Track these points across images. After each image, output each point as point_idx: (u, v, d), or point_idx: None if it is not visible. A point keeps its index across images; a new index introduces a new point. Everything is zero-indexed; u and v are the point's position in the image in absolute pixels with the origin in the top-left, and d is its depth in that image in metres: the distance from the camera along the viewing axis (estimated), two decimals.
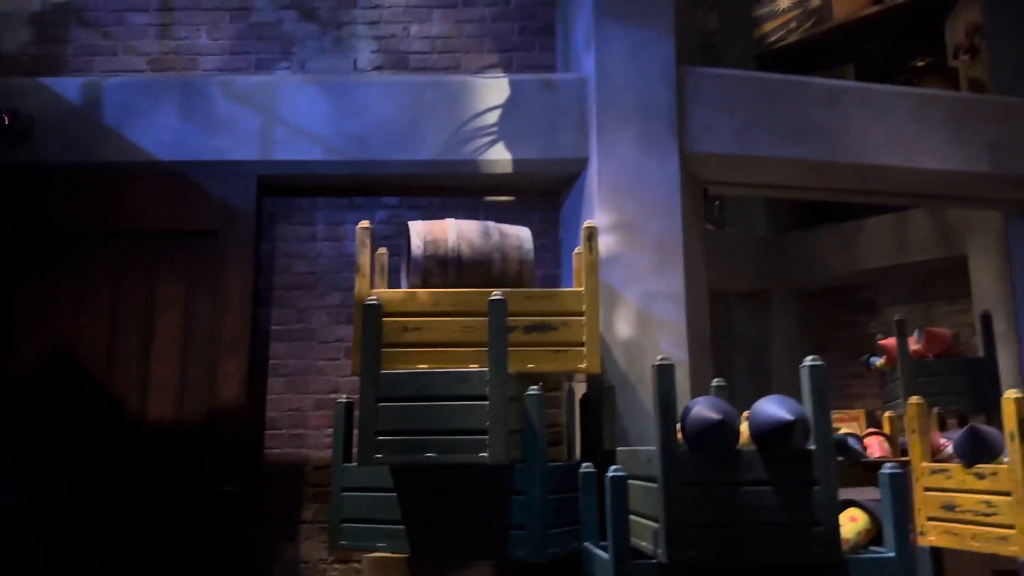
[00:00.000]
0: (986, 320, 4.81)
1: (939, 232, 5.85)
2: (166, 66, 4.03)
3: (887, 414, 4.70)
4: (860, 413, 6.13)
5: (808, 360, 2.40)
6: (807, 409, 2.34)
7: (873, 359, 5.29)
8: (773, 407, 2.32)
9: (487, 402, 2.71)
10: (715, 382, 3.04)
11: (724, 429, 2.31)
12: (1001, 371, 4.70)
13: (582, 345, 3.04)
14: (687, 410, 2.40)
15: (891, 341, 4.99)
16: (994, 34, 4.99)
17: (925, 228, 6.00)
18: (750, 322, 7.02)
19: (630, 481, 2.42)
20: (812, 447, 2.30)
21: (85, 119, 3.73)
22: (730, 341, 7.02)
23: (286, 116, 3.75)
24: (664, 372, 2.39)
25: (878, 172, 3.89)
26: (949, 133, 3.97)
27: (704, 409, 2.35)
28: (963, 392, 4.68)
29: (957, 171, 3.96)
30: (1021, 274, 4.65)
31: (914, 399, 3.37)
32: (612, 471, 2.38)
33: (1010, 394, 2.82)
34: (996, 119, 4.06)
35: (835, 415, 5.69)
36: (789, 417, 2.26)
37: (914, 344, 4.91)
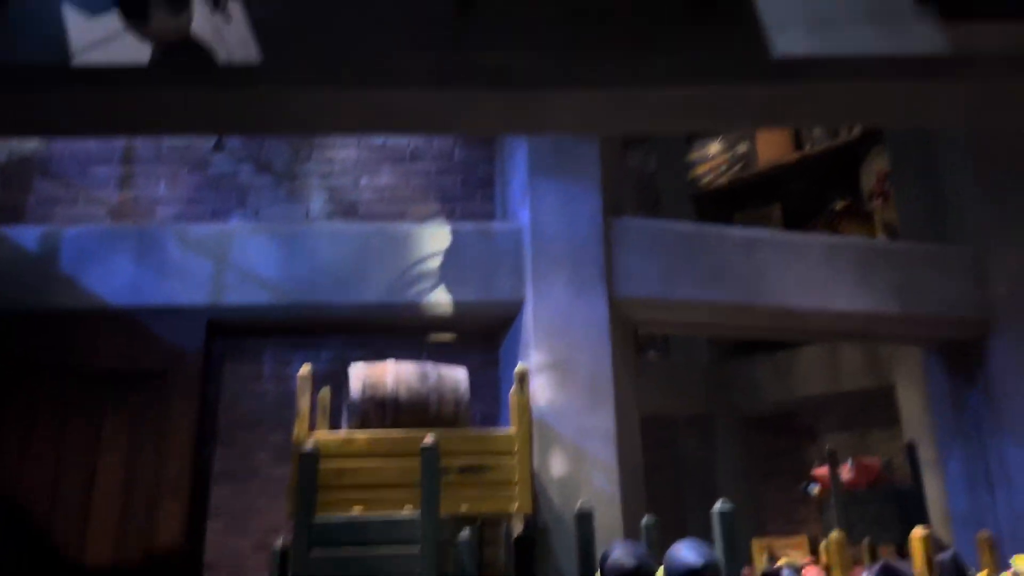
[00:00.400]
0: (911, 449, 4.99)
1: (869, 362, 6.13)
2: (125, 215, 4.24)
3: (823, 544, 4.79)
4: (803, 540, 6.19)
5: (718, 506, 2.55)
6: (718, 553, 2.47)
7: (811, 487, 5.42)
8: (684, 552, 2.45)
9: (419, 547, 2.79)
10: (645, 521, 3.16)
11: (639, 575, 2.43)
12: (928, 499, 4.85)
13: (515, 485, 3.16)
14: (605, 556, 2.51)
15: (824, 470, 5.14)
16: (899, 182, 5.43)
17: (856, 358, 6.28)
18: (697, 447, 7.15)
19: None
20: None
21: (42, 267, 3.88)
22: (678, 466, 7.13)
23: (238, 262, 3.94)
24: (583, 520, 2.52)
25: (793, 314, 4.17)
26: (858, 277, 4.28)
27: (622, 556, 2.48)
28: (893, 521, 4.79)
29: (867, 312, 4.25)
30: (939, 405, 4.89)
31: (835, 534, 3.50)
32: None
33: (917, 532, 2.97)
34: (901, 263, 4.40)
35: (780, 542, 5.74)
36: (699, 563, 2.38)
37: (847, 473, 5.06)
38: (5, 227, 3.98)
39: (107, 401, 3.80)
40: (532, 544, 3.31)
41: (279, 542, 3.21)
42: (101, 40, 2.00)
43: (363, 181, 4.41)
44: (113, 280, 3.89)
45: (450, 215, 4.36)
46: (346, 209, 4.35)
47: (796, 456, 6.87)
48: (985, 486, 4.49)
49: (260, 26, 2.00)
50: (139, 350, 3.84)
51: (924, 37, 2.04)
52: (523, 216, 4.07)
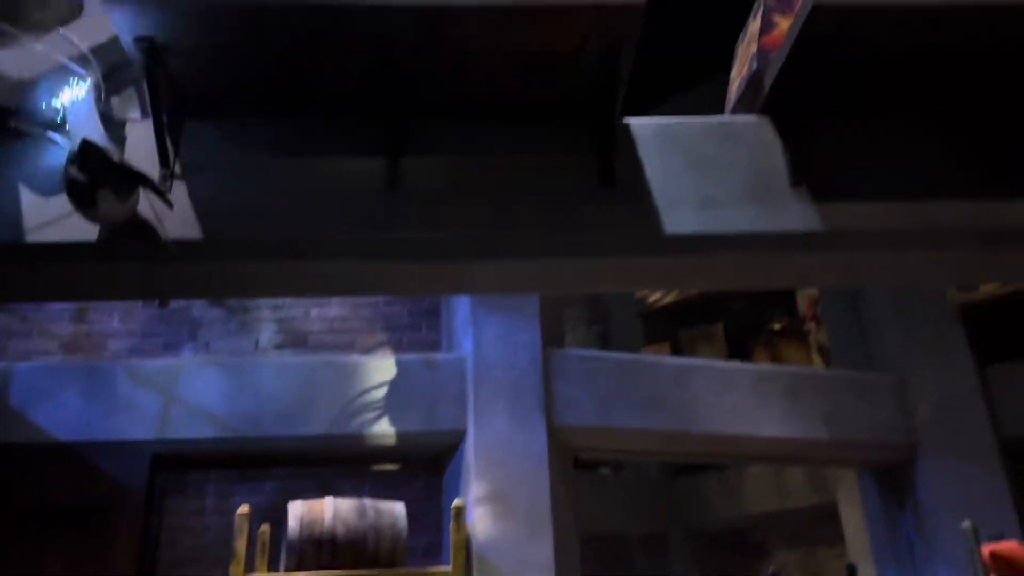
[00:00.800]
0: (851, 570, 5.09)
1: (813, 480, 6.27)
2: (77, 348, 4.34)
3: None
4: None
5: None
6: None
7: None
8: None
9: None
10: None
11: None
12: None
13: None
14: None
15: None
16: (828, 308, 5.73)
17: (800, 476, 6.42)
18: (651, 564, 7.15)
19: None
20: None
21: None
22: None
23: (185, 396, 4.03)
24: None
25: (725, 440, 4.34)
26: (787, 404, 4.49)
27: None
28: None
29: (795, 438, 4.44)
30: (874, 526, 5.02)
31: None
32: None
33: None
34: (828, 390, 4.62)
35: None
36: None
37: None
38: None
39: (49, 537, 3.80)
40: None
41: None
42: (53, 219, 2.18)
43: (313, 312, 4.57)
44: (61, 415, 3.95)
45: (397, 345, 4.52)
46: (296, 340, 4.49)
47: (748, 573, 6.89)
48: None
49: (201, 206, 2.21)
50: (83, 486, 3.88)
51: (798, 216, 2.30)
52: (466, 346, 4.24)
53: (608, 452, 4.53)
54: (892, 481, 4.86)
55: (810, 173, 2.32)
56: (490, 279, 2.49)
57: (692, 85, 6.23)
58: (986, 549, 3.44)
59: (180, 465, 4.09)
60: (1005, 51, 2.20)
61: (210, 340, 4.42)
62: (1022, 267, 2.50)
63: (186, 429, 3.98)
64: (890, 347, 4.93)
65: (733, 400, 4.41)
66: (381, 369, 4.18)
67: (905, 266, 2.47)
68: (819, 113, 2.36)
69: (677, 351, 6.74)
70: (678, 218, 2.29)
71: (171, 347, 4.38)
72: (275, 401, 4.06)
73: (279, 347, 4.47)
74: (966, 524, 3.52)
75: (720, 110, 2.63)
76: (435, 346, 4.53)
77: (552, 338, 4.35)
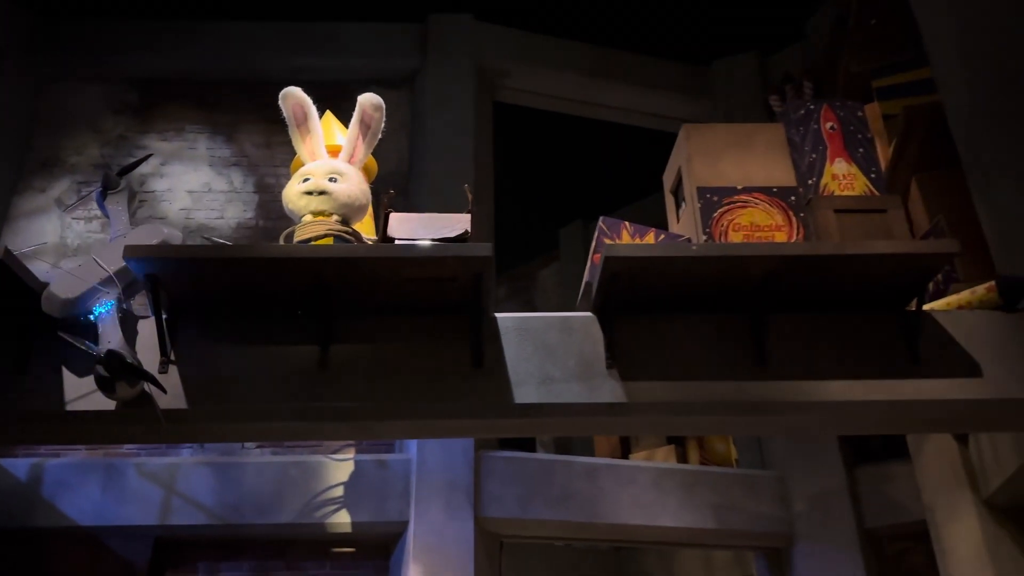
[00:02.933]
0: None
1: (736, 557, 7.05)
2: (97, 448, 5.24)
3: None
4: None
5: None
6: None
7: None
8: None
9: None
10: None
11: None
12: None
13: None
14: None
15: None
16: None
17: (726, 554, 7.19)
18: None
19: None
20: None
21: (28, 492, 4.83)
22: None
23: (182, 489, 4.92)
24: None
25: (627, 528, 5.17)
26: (682, 497, 5.32)
27: None
28: None
29: (688, 527, 5.27)
30: None
31: None
32: None
33: None
34: (718, 485, 5.45)
35: None
36: None
37: None
38: (2, 459, 4.96)
39: None
40: None
41: None
42: (85, 394, 3.09)
43: None
44: (82, 503, 4.84)
45: (358, 446, 5.39)
46: (274, 442, 5.38)
47: None
48: None
49: (188, 383, 3.10)
50: (97, 564, 4.75)
51: (608, 391, 3.17)
52: (411, 449, 5.11)
53: (528, 539, 5.35)
54: (777, 562, 5.65)
55: (619, 359, 3.21)
56: (395, 432, 3.40)
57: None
58: None
59: (177, 546, 4.95)
60: (737, 277, 3.12)
61: (205, 442, 5.31)
62: (779, 426, 3.36)
63: (182, 517, 4.86)
64: (777, 449, 5.77)
65: (634, 494, 5.25)
66: (341, 468, 5.05)
67: (693, 426, 3.35)
68: (627, 314, 3.26)
69: (625, 443, 7.56)
70: (525, 391, 3.17)
71: (173, 448, 5.27)
72: (254, 494, 4.93)
73: (260, 447, 5.35)
74: None
75: None
76: (388, 448, 5.40)
77: (485, 442, 5.22)
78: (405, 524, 4.91)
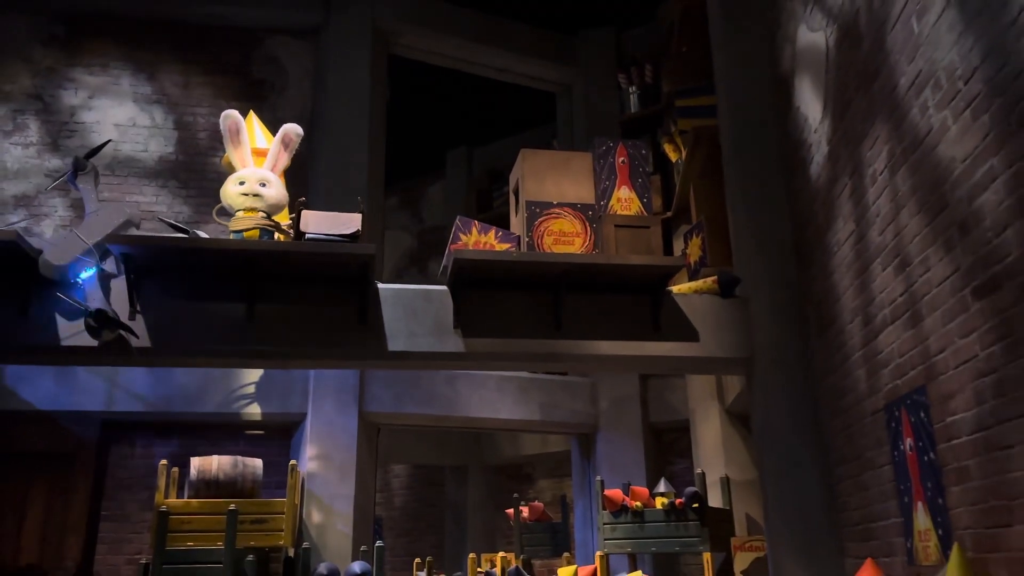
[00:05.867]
0: (563, 499, 7.68)
1: (563, 437, 8.84)
2: None
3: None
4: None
5: (377, 543, 4.98)
6: (371, 568, 4.91)
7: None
8: (355, 567, 4.88)
9: (222, 565, 5.08)
10: (363, 548, 5.57)
11: None
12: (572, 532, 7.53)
13: (282, 530, 5.48)
14: (318, 568, 4.90)
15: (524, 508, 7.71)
16: None
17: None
18: (456, 490, 9.69)
19: None
20: None
21: None
22: (442, 501, 9.64)
23: (123, 383, 6.05)
24: (305, 552, 4.88)
25: (477, 420, 6.74)
26: (517, 397, 6.90)
27: (321, 567, 4.87)
28: (546, 544, 7.41)
29: (521, 419, 6.89)
30: (576, 470, 7.60)
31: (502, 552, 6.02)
32: None
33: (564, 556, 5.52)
34: (546, 389, 7.06)
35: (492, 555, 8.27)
36: (358, 570, 4.82)
37: (525, 511, 7.67)
38: None
39: (36, 470, 5.84)
40: (295, 562, 5.64)
41: (143, 560, 5.40)
42: (74, 333, 4.17)
43: None
44: (40, 393, 5.91)
45: None
46: None
47: (521, 496, 9.50)
48: (592, 522, 7.19)
49: (150, 329, 4.23)
50: (56, 439, 5.90)
51: (453, 344, 4.53)
52: None
53: (400, 427, 6.84)
54: (586, 444, 7.42)
55: (463, 321, 4.57)
56: (302, 367, 4.68)
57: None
58: (607, 492, 5.93)
59: (119, 427, 6.15)
60: (543, 273, 4.50)
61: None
62: (569, 369, 4.84)
63: (124, 404, 6.02)
64: None
65: (482, 394, 6.79)
66: (254, 371, 6.29)
67: (510, 368, 4.80)
68: (470, 290, 4.59)
69: None
70: (396, 342, 4.50)
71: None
72: (183, 388, 6.13)
73: None
74: (597, 478, 6.04)
75: None
76: None
77: None
78: (304, 415, 6.25)
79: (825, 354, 4.32)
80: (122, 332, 4.16)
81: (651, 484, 6.48)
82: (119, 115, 6.99)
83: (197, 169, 6.96)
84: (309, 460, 6.09)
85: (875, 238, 3.51)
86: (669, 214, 7.24)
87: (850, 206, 3.82)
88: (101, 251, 4.27)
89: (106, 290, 4.27)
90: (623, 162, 4.86)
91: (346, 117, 7.15)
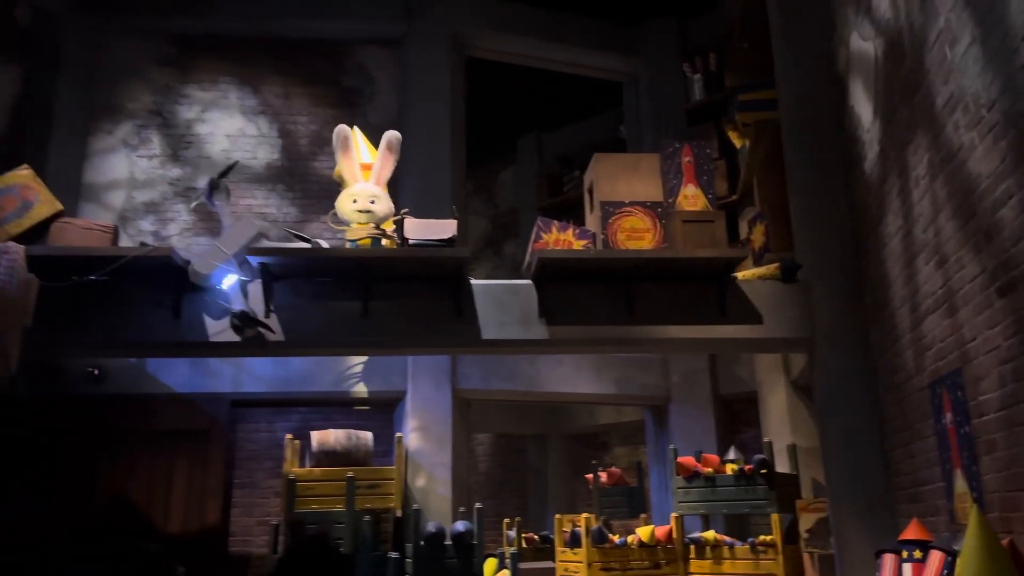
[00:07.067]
0: (639, 465, 8.22)
1: (637, 408, 9.36)
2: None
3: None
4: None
5: (476, 506, 5.65)
6: (473, 526, 5.58)
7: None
8: (458, 525, 5.56)
9: (343, 524, 5.83)
10: (461, 509, 6.26)
11: (436, 534, 5.52)
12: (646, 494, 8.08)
13: (393, 494, 6.21)
14: (427, 526, 5.60)
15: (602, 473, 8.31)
16: None
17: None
18: (537, 457, 10.35)
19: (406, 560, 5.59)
20: (474, 542, 5.53)
21: (135, 369, 6.73)
22: (525, 467, 10.33)
23: (248, 369, 6.85)
24: (415, 513, 5.59)
25: (556, 395, 7.32)
26: (593, 374, 7.45)
27: (430, 526, 5.57)
28: (624, 507, 7.98)
29: (597, 393, 7.45)
30: (650, 438, 8.13)
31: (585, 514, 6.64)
32: (393, 556, 5.55)
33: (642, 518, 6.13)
34: (618, 365, 7.59)
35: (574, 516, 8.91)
36: (461, 529, 5.50)
37: (604, 476, 8.25)
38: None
39: (177, 446, 6.71)
40: (404, 521, 6.36)
41: (274, 522, 6.21)
42: (220, 331, 4.90)
43: None
44: (177, 377, 6.76)
45: None
46: None
47: (599, 462, 10.10)
48: (666, 487, 7.73)
49: (283, 325, 4.93)
50: (193, 418, 6.76)
51: (539, 331, 5.08)
52: None
53: (489, 402, 7.49)
54: (659, 415, 7.94)
55: (546, 311, 5.12)
56: (409, 354, 5.33)
57: None
58: (680, 459, 6.47)
59: (246, 406, 6.98)
60: (616, 266, 5.01)
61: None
62: (641, 352, 5.36)
63: (249, 386, 6.83)
64: None
65: (561, 372, 7.37)
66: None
67: (589, 351, 5.35)
68: (552, 283, 5.13)
69: None
70: (488, 331, 5.09)
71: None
72: (300, 371, 6.90)
73: None
74: (671, 447, 6.59)
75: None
76: None
77: None
78: (404, 392, 6.94)
79: (880, 334, 4.72)
80: (260, 329, 4.87)
81: (721, 452, 6.96)
82: (229, 126, 7.74)
83: (300, 173, 7.68)
84: (410, 432, 6.79)
85: (919, 235, 3.90)
86: (735, 197, 7.62)
87: (898, 203, 4.19)
88: (240, 260, 4.98)
89: (245, 293, 4.99)
90: (689, 161, 5.30)
91: (429, 118, 7.74)
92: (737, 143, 7.35)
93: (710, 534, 6.09)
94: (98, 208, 7.34)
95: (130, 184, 7.50)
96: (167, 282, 4.90)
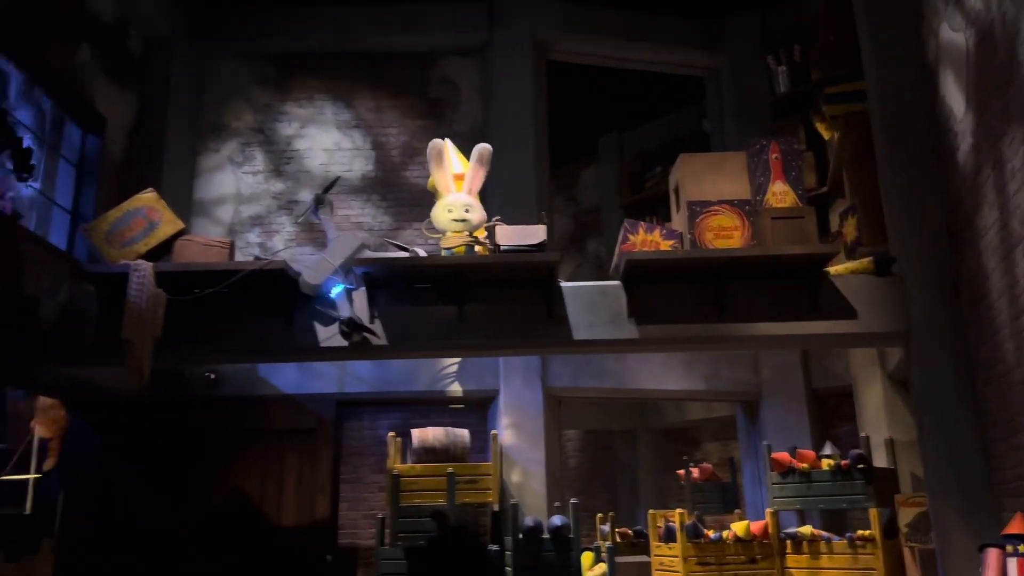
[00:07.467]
0: (731, 460, 8.23)
1: (725, 404, 9.34)
2: None
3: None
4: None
5: (572, 501, 5.84)
6: (570, 521, 5.77)
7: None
8: (555, 520, 5.76)
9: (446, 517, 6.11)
10: (556, 504, 6.47)
11: (534, 528, 5.74)
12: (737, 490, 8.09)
13: (490, 488, 6.46)
14: (525, 520, 5.82)
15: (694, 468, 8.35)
16: None
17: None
18: (626, 452, 10.46)
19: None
20: (571, 536, 5.73)
21: (248, 373, 7.21)
22: (612, 463, 10.45)
23: (351, 370, 7.23)
24: (513, 508, 5.82)
25: (645, 391, 7.43)
26: (683, 370, 7.52)
27: (528, 520, 5.79)
28: (717, 502, 8.00)
29: (686, 389, 7.51)
30: (742, 433, 8.13)
31: (679, 509, 6.76)
32: (494, 549, 5.80)
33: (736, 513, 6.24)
34: (707, 360, 7.62)
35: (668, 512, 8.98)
36: (558, 523, 5.70)
37: (695, 472, 8.30)
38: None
39: (288, 444, 7.16)
40: (501, 515, 6.61)
41: (380, 515, 6.56)
42: (329, 337, 5.25)
43: None
44: (287, 380, 7.20)
45: None
46: None
47: (690, 458, 10.12)
48: (760, 482, 7.73)
49: (386, 329, 5.23)
50: (302, 417, 7.18)
51: (630, 329, 5.21)
52: None
53: (578, 400, 7.66)
54: (750, 410, 7.93)
55: (635, 311, 5.25)
56: (503, 354, 5.56)
57: None
58: (774, 455, 6.49)
59: (350, 405, 7.37)
60: (705, 265, 5.09)
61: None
62: (731, 350, 5.42)
63: (353, 387, 7.21)
64: None
65: (650, 369, 7.47)
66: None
67: (677, 350, 5.45)
68: (640, 283, 5.26)
69: None
70: (579, 332, 5.26)
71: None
72: (399, 372, 7.23)
73: None
74: (765, 443, 6.62)
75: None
76: None
77: None
78: (496, 391, 7.19)
79: (977, 327, 4.66)
80: (365, 334, 5.19)
81: (816, 447, 6.93)
82: (326, 141, 8.15)
83: (393, 183, 8.02)
84: (504, 429, 7.03)
85: (1017, 228, 3.85)
86: (824, 189, 7.54)
87: (993, 195, 4.15)
88: (345, 270, 5.31)
89: (350, 301, 5.31)
90: (776, 158, 5.33)
91: (513, 123, 7.95)
92: (825, 135, 7.27)
93: (807, 529, 6.10)
94: (208, 222, 7.86)
95: (237, 199, 8.00)
96: (280, 292, 5.26)
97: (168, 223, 5.35)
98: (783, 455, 6.46)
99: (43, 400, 6.90)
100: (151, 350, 4.82)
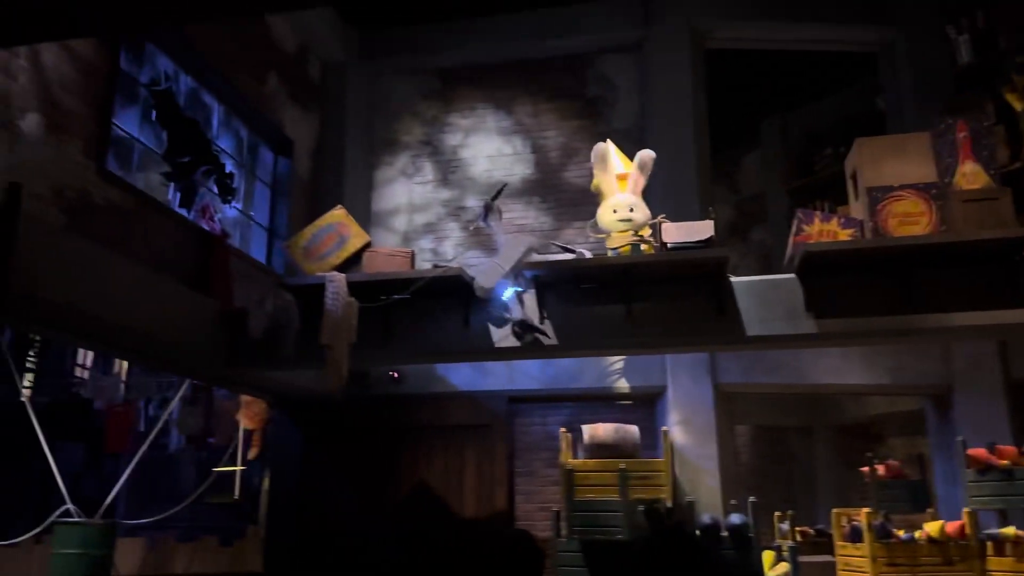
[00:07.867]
0: (920, 456, 7.71)
1: (911, 398, 8.75)
2: None
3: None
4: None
5: (751, 499, 5.75)
6: (749, 519, 5.68)
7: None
8: (733, 516, 5.69)
9: (620, 512, 6.19)
10: (732, 502, 6.38)
11: (712, 526, 5.70)
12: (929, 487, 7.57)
13: (663, 485, 6.47)
14: (702, 518, 5.79)
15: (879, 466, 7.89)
16: None
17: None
18: (802, 449, 10.05)
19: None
20: (751, 535, 5.64)
21: (427, 371, 7.62)
22: (788, 461, 10.09)
23: (520, 368, 7.47)
24: (689, 505, 5.81)
25: (821, 386, 7.13)
26: (863, 363, 7.15)
27: (705, 517, 5.76)
28: (905, 500, 7.52)
29: (867, 384, 7.12)
30: (932, 428, 7.60)
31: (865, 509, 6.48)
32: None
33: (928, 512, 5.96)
34: (890, 351, 7.19)
35: (853, 511, 8.57)
36: (737, 521, 5.63)
37: (881, 469, 7.85)
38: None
39: (465, 438, 7.51)
40: (672, 511, 6.59)
41: (555, 508, 6.74)
42: (503, 337, 5.47)
43: None
44: (461, 378, 7.55)
45: None
46: None
47: (874, 454, 9.57)
48: (953, 480, 7.20)
49: (556, 329, 5.38)
50: (477, 413, 7.51)
51: (807, 324, 5.03)
52: None
53: (749, 395, 7.47)
54: (940, 404, 7.40)
55: (813, 305, 5.08)
56: (672, 351, 5.56)
57: None
58: (970, 451, 6.07)
59: (521, 401, 7.61)
60: (888, 254, 4.82)
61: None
62: (920, 343, 5.11)
63: (523, 383, 7.43)
64: None
65: (827, 362, 7.15)
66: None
67: (858, 344, 5.20)
68: (817, 275, 5.08)
69: None
70: (752, 328, 5.17)
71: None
72: (565, 369, 7.38)
73: None
74: (959, 438, 6.22)
75: None
76: None
77: None
78: (663, 387, 7.16)
79: None
80: (537, 334, 5.37)
81: (1016, 442, 6.37)
82: (488, 148, 8.45)
83: (552, 184, 8.19)
84: (673, 425, 7.00)
85: None
86: (1018, 164, 6.92)
87: None
88: (516, 274, 5.52)
89: (521, 303, 5.51)
90: (964, 137, 4.97)
91: (672, 115, 7.88)
92: (1017, 106, 6.67)
93: (1010, 530, 5.65)
94: (385, 232, 8.38)
95: (409, 208, 8.47)
96: (457, 297, 5.55)
97: (356, 236, 5.78)
98: (980, 451, 6.03)
99: (245, 396, 7.67)
100: (348, 354, 5.24)
